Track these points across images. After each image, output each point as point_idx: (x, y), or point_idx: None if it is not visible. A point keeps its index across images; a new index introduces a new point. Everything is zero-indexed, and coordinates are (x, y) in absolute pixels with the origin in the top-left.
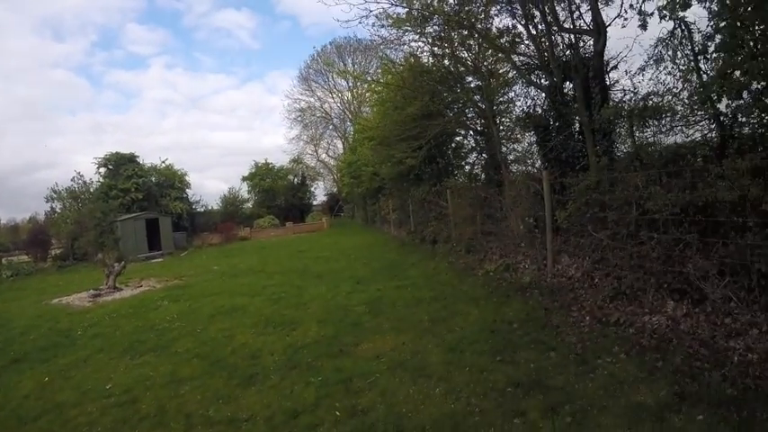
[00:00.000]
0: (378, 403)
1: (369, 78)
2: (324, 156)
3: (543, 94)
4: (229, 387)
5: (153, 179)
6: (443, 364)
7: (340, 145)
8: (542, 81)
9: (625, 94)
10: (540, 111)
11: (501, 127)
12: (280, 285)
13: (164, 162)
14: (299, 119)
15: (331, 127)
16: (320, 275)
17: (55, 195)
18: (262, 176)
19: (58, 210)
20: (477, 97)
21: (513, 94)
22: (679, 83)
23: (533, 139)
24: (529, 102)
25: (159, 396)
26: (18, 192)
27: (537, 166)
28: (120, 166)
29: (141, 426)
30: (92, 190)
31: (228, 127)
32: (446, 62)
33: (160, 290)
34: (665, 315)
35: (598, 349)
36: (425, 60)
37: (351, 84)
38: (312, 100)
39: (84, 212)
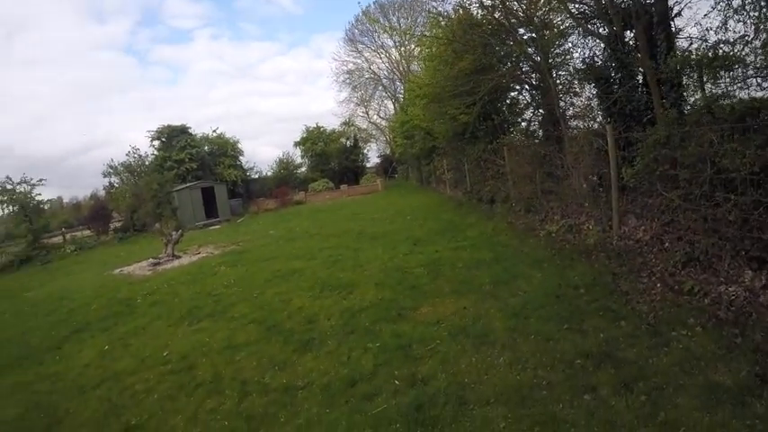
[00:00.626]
0: (438, 372)
1: (416, 34)
2: (375, 117)
3: (602, 44)
4: (285, 353)
5: (206, 149)
6: (507, 331)
7: (391, 106)
8: (601, 30)
9: (692, 43)
10: (599, 62)
11: (558, 80)
12: (336, 248)
13: (215, 131)
14: (348, 81)
15: (380, 88)
16: (376, 237)
17: (112, 171)
18: (314, 140)
19: (115, 184)
20: (530, 50)
21: (569, 45)
22: (751, 30)
23: (594, 92)
24: (587, 53)
25: (215, 362)
26: (78, 171)
27: (598, 120)
28: (173, 137)
29: (197, 393)
30: (147, 163)
31: (278, 93)
32: (497, 15)
33: (218, 256)
34: (743, 286)
35: (672, 320)
36: (475, 12)
37: (397, 42)
38: (359, 61)
39: (140, 185)
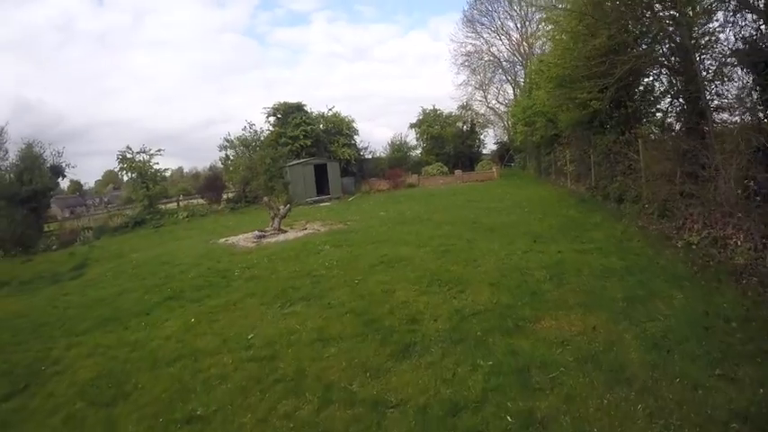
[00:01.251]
0: (562, 413)
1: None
2: (493, 102)
3: (761, 21)
4: (380, 357)
5: (321, 127)
6: (646, 368)
7: (510, 90)
8: (760, 3)
9: None
10: (760, 43)
11: (703, 65)
12: (448, 237)
13: (330, 110)
14: (466, 63)
15: (500, 71)
16: (492, 229)
17: (228, 144)
18: (430, 123)
19: (231, 157)
20: (671, 28)
21: (717, 22)
22: None
23: (750, 78)
24: (741, 31)
25: (300, 356)
26: (199, 144)
27: (758, 114)
28: (289, 114)
29: (274, 390)
30: (262, 138)
31: (395, 76)
32: None
33: (323, 234)
34: None
35: None
36: None
37: (518, 23)
38: (478, 43)
39: (254, 159)
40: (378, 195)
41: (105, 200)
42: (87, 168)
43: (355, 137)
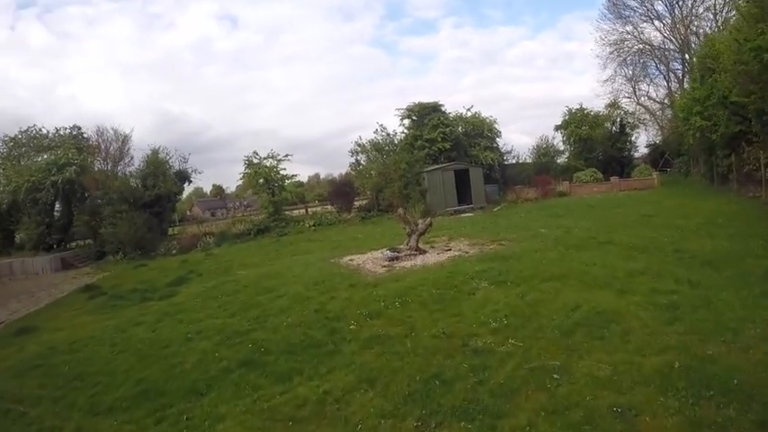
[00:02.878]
0: None
1: None
2: (643, 99)
3: None
4: None
5: (459, 129)
6: None
7: (664, 84)
8: None
9: None
10: None
11: None
12: (657, 276)
13: (469, 110)
14: (613, 55)
15: (652, 62)
16: (711, 262)
17: (359, 149)
18: (577, 124)
19: (362, 162)
20: None
21: None
22: None
23: None
24: None
25: None
26: (333, 152)
27: None
28: (424, 116)
29: None
30: (396, 141)
31: (526, 79)
32: None
33: (474, 258)
34: None
35: None
36: None
37: (672, 3)
38: (628, 28)
39: (388, 163)
40: (526, 205)
41: (245, 203)
42: (232, 173)
43: (498, 139)
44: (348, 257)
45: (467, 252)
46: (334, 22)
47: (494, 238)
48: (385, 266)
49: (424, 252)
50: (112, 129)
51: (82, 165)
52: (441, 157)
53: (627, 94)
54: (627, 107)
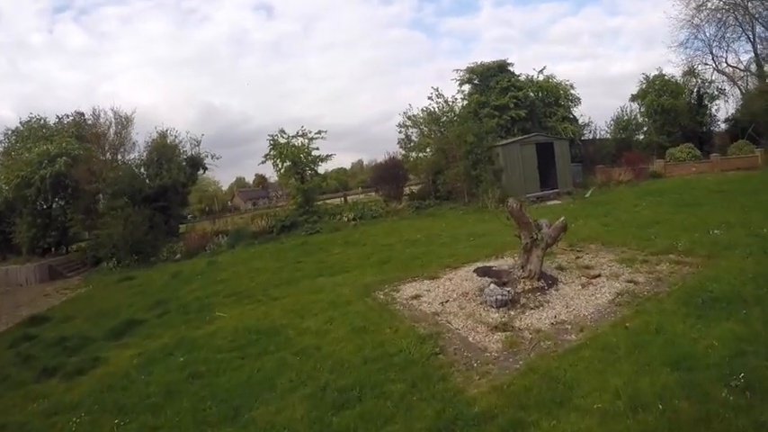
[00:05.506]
0: None
1: None
2: (724, 65)
3: None
4: None
5: (530, 95)
6: None
7: (749, 48)
8: None
9: None
10: None
11: None
12: None
13: (541, 72)
14: (693, 11)
15: (733, 20)
16: None
17: (409, 122)
18: (658, 92)
19: (414, 138)
20: None
21: None
22: None
23: None
24: None
25: None
26: (377, 138)
27: None
28: (489, 78)
29: None
30: (456, 110)
31: (571, 57)
32: None
33: (673, 300)
34: None
35: None
36: None
37: None
38: None
39: (449, 137)
40: (622, 189)
41: (288, 192)
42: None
43: (577, 108)
44: (409, 288)
45: (634, 281)
46: (371, 6)
47: (652, 247)
48: (494, 325)
49: (553, 281)
50: (112, 110)
51: (74, 155)
52: (513, 129)
53: (702, 63)
54: (704, 75)
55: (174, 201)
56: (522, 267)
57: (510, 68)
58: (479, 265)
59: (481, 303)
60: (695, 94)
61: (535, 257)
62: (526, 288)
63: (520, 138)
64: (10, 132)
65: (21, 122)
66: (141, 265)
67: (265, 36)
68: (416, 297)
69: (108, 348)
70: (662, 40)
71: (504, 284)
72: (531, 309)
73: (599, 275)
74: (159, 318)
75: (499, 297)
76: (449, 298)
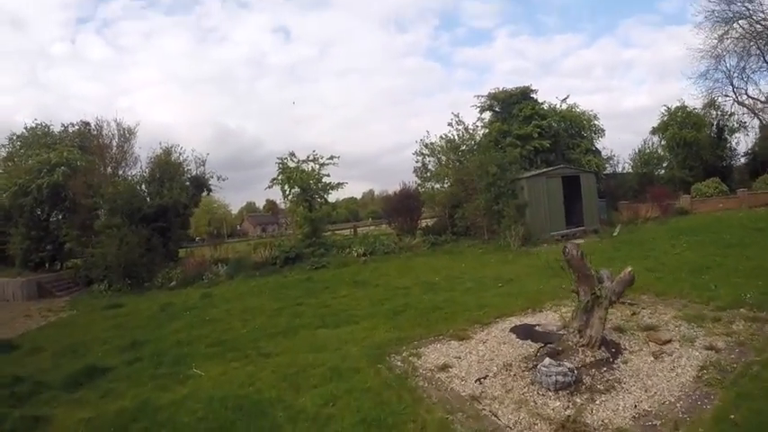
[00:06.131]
0: None
1: None
2: (744, 97)
3: None
4: None
5: (553, 124)
6: None
7: None
8: None
9: None
10: None
11: None
12: None
13: (564, 101)
14: (715, 41)
15: (756, 51)
16: None
17: (426, 150)
18: (680, 125)
19: (430, 167)
20: None
21: None
22: None
23: None
24: None
25: None
26: (389, 168)
27: None
28: (512, 105)
29: None
30: (477, 138)
31: (584, 90)
32: None
33: (736, 367)
34: None
35: None
36: None
37: None
38: (731, 9)
39: (468, 167)
40: (650, 227)
41: (296, 220)
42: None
43: (600, 140)
44: (434, 352)
45: (714, 347)
46: (388, 33)
47: (716, 300)
48: (559, 421)
49: (617, 349)
50: (115, 121)
51: (74, 165)
52: (537, 160)
53: (722, 95)
54: (725, 107)
55: (175, 222)
56: (580, 332)
57: (533, 95)
58: (516, 321)
59: (532, 383)
60: (715, 127)
61: (597, 320)
62: (587, 361)
63: (545, 170)
64: (15, 137)
65: (26, 128)
66: (134, 290)
67: (282, 59)
68: (444, 368)
69: (59, 402)
70: (681, 71)
71: (558, 354)
72: (601, 393)
73: (670, 341)
74: (129, 366)
75: (560, 378)
76: (487, 371)
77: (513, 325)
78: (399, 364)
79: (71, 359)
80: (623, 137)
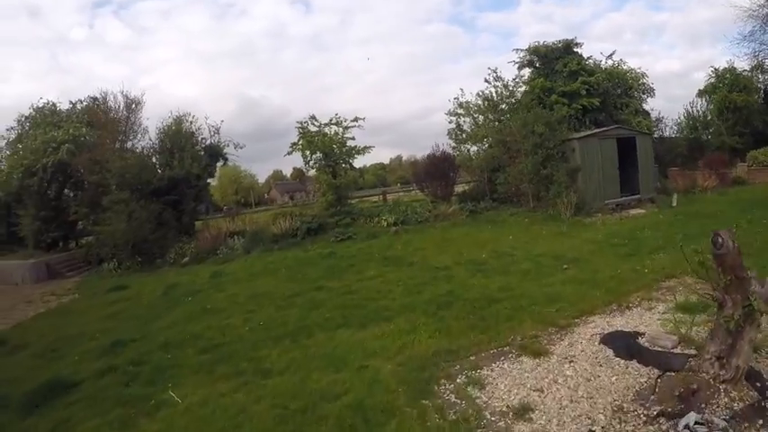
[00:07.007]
0: None
1: None
2: None
3: None
4: None
5: (602, 80)
6: None
7: None
8: None
9: None
10: None
11: None
12: None
13: (609, 57)
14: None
15: None
16: None
17: (461, 110)
18: (729, 87)
19: (465, 128)
20: None
21: None
22: None
23: None
24: None
25: None
26: (416, 134)
27: None
28: (554, 60)
29: None
30: (518, 96)
31: (615, 54)
32: None
33: None
34: None
35: None
36: None
37: None
38: None
39: (511, 126)
40: (714, 198)
41: (318, 188)
42: None
43: (648, 100)
44: (501, 376)
45: None
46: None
47: None
48: None
49: (762, 383)
50: (122, 93)
51: (80, 142)
52: (585, 120)
53: None
54: None
55: (188, 195)
56: (719, 359)
57: (577, 50)
58: (603, 325)
59: None
60: (763, 92)
61: (747, 344)
62: (735, 407)
63: (598, 130)
64: (24, 119)
65: (33, 108)
66: (145, 267)
67: (303, 29)
68: (523, 411)
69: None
70: (723, 34)
71: (693, 394)
72: None
73: None
74: (99, 378)
75: None
76: (590, 416)
77: (603, 331)
78: (454, 399)
79: (47, 362)
80: (655, 103)
